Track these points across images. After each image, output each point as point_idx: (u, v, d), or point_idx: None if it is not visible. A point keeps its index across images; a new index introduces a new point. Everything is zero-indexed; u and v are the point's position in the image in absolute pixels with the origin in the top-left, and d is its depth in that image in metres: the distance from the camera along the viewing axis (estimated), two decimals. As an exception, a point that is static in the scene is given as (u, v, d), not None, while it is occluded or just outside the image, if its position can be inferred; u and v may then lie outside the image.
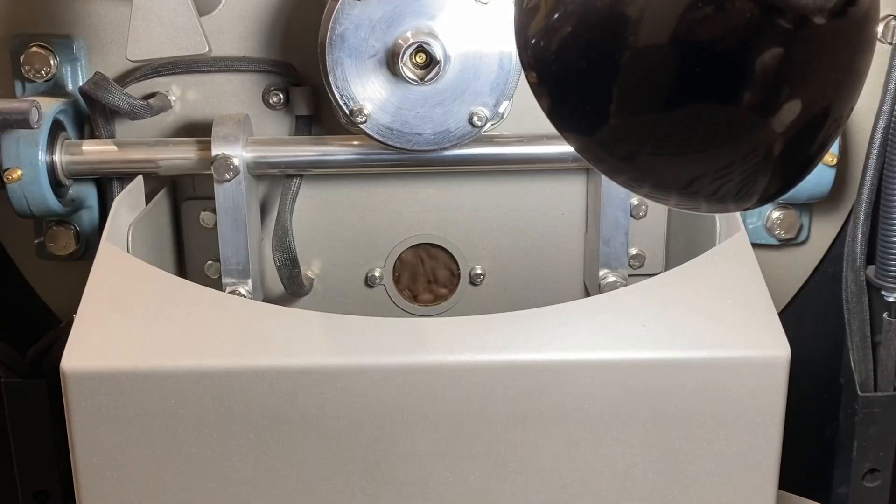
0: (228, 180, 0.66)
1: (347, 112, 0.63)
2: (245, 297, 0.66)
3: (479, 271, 0.75)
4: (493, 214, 0.74)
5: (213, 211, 0.68)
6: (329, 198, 0.73)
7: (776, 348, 0.54)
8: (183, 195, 0.74)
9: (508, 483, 0.56)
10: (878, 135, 0.71)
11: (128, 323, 0.56)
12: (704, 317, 0.56)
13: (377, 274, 0.73)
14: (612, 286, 0.67)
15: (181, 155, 0.70)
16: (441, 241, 0.75)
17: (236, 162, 0.66)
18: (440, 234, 0.75)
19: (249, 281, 0.67)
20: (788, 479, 0.59)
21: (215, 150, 0.66)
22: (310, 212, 0.73)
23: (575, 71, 0.40)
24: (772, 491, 0.56)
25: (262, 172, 0.69)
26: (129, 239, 0.64)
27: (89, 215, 0.74)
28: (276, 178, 0.72)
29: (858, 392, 0.75)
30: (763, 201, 0.42)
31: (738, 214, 0.62)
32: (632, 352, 0.55)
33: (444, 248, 0.74)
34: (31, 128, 0.64)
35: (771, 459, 0.56)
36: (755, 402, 0.55)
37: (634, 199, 0.71)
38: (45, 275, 0.79)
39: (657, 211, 0.73)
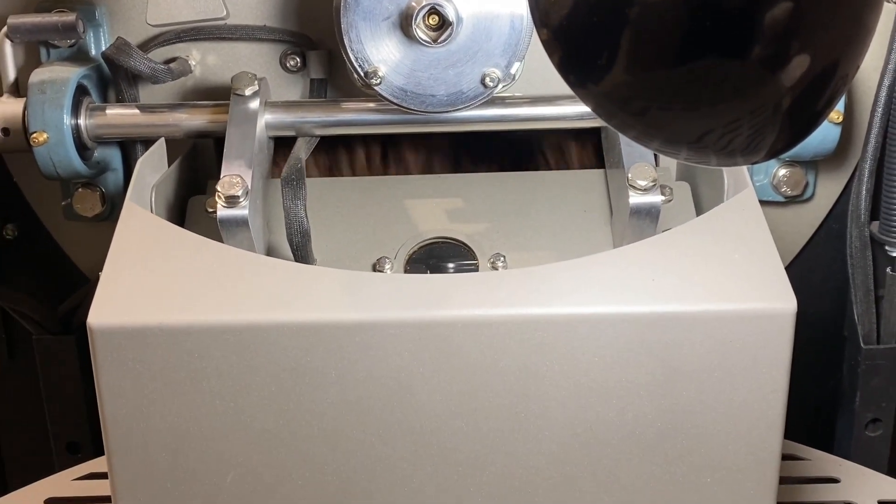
0: (247, 95, 0.65)
1: (362, 74, 0.62)
2: (240, 199, 0.61)
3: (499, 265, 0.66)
4: (512, 216, 0.68)
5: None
6: (332, 205, 0.69)
7: (783, 301, 0.53)
8: (192, 191, 0.71)
9: (521, 433, 0.55)
10: (883, 93, 0.70)
11: (152, 280, 0.55)
12: (712, 271, 0.55)
13: (387, 269, 0.66)
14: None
15: (201, 117, 0.69)
16: (456, 236, 0.67)
17: (256, 84, 0.65)
18: (456, 234, 0.67)
19: (247, 203, 0.60)
20: (793, 429, 0.58)
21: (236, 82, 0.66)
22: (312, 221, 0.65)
23: (586, 26, 0.39)
24: (777, 439, 0.55)
25: (278, 133, 0.68)
26: (153, 199, 0.63)
27: (114, 177, 0.74)
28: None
29: (862, 344, 0.75)
30: (771, 155, 0.41)
31: (745, 172, 0.61)
32: (641, 305, 0.54)
33: (460, 242, 0.67)
34: (80, 37, 0.70)
35: (777, 409, 0.55)
36: (762, 354, 0.54)
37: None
38: (72, 235, 0.78)
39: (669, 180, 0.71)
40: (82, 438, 0.80)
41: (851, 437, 0.77)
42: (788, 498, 0.64)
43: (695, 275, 0.55)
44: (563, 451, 0.56)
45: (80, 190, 0.74)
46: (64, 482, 0.68)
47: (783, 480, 0.57)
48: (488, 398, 0.55)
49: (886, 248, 0.72)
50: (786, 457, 0.61)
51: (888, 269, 0.73)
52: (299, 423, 0.55)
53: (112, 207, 0.75)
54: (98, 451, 0.77)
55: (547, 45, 0.41)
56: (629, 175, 0.61)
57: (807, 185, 0.75)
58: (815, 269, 0.78)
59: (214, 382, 0.54)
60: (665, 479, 0.56)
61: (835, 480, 0.66)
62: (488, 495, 0.56)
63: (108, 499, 0.57)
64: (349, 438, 0.55)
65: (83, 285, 0.79)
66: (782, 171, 0.74)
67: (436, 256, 0.66)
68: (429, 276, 0.60)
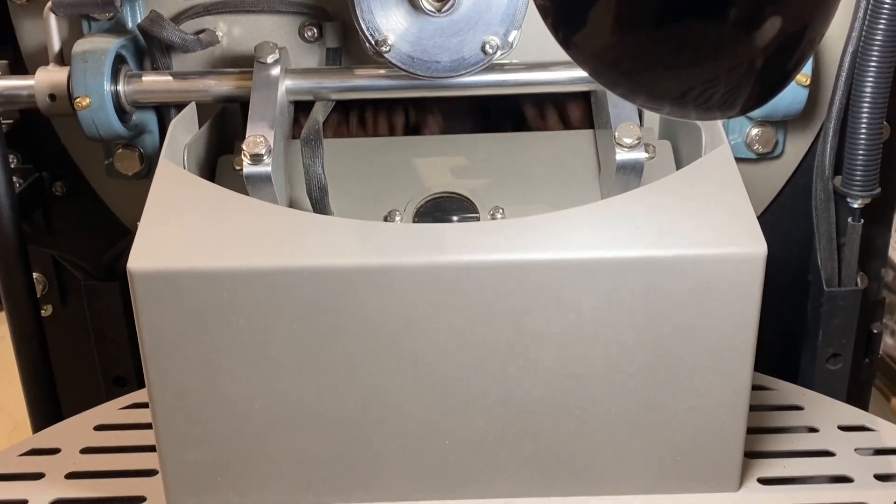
0: (269, 63, 0.64)
1: (373, 42, 0.61)
2: (264, 157, 0.60)
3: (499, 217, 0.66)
4: (510, 173, 0.67)
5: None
6: (347, 163, 0.68)
7: (754, 246, 0.53)
8: (221, 150, 0.70)
9: (517, 366, 0.55)
10: (847, 59, 0.69)
11: (185, 229, 0.55)
12: (691, 219, 0.54)
13: (397, 220, 0.65)
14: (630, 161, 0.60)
15: (228, 83, 0.68)
16: (459, 191, 0.66)
17: (277, 53, 0.64)
18: (459, 189, 0.66)
19: (270, 161, 0.60)
20: (762, 362, 0.58)
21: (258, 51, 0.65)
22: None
23: (576, -9, 0.38)
24: (748, 371, 0.55)
25: (297, 98, 0.67)
26: (185, 157, 0.62)
27: (151, 139, 0.73)
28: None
29: (824, 287, 0.74)
30: (745, 110, 0.40)
31: (721, 131, 0.60)
32: (626, 251, 0.53)
33: (463, 197, 0.66)
34: (117, 11, 0.68)
35: (747, 344, 0.55)
36: (735, 294, 0.53)
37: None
38: (114, 192, 0.78)
39: (652, 138, 0.70)
40: (127, 373, 0.80)
41: (814, 370, 0.77)
42: (757, 423, 0.64)
43: (675, 223, 0.54)
44: (554, 382, 0.55)
45: (120, 150, 0.74)
46: (111, 411, 0.68)
47: (752, 408, 0.57)
48: (488, 334, 0.54)
49: (848, 199, 0.71)
50: (755, 387, 0.60)
51: (849, 219, 0.72)
52: (318, 356, 0.55)
53: (150, 166, 0.74)
54: (141, 383, 0.76)
55: (541, 9, 0.40)
56: (616, 134, 0.60)
57: (777, 143, 0.74)
58: (783, 220, 0.77)
59: (242, 321, 0.54)
60: (647, 406, 0.56)
61: (799, 408, 0.66)
62: (487, 421, 0.56)
63: (149, 425, 0.57)
64: (362, 371, 0.55)
65: (125, 236, 0.78)
66: (755, 131, 0.73)
67: (441, 209, 0.66)
68: (435, 224, 0.59)
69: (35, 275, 0.80)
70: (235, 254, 0.53)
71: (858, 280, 0.75)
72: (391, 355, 0.55)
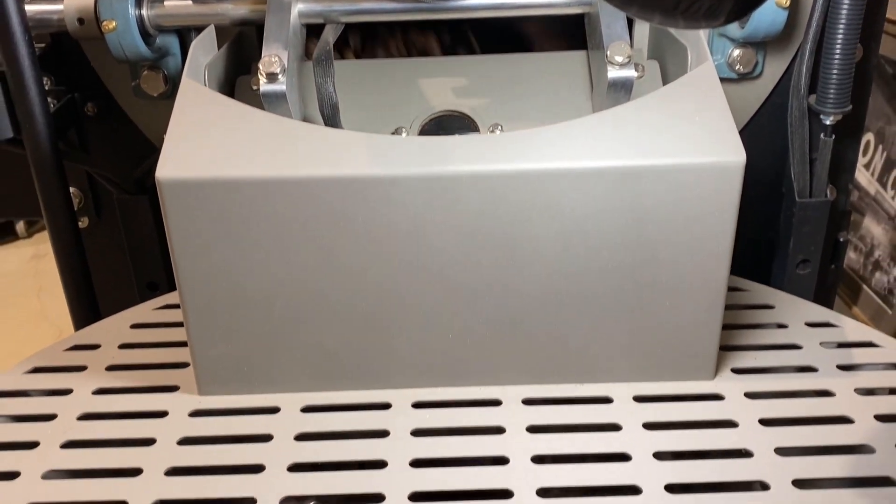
0: None
1: (380, -34, 0.59)
2: (279, 75, 0.58)
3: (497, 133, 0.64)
4: (508, 92, 0.66)
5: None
6: (356, 84, 0.66)
7: (734, 155, 0.52)
8: (238, 73, 0.68)
9: (516, 268, 0.55)
10: (825, -17, 0.67)
11: (207, 141, 0.54)
12: (676, 131, 0.53)
13: (403, 135, 0.63)
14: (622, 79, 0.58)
15: (244, 6, 0.66)
16: (461, 109, 0.65)
17: None
18: (460, 107, 0.65)
19: (284, 80, 0.58)
20: (738, 266, 0.58)
21: None
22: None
23: None
24: (724, 272, 0.55)
25: (309, 21, 0.65)
26: (206, 76, 0.61)
27: (174, 61, 0.72)
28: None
29: (797, 198, 0.74)
30: (728, 21, 0.39)
31: (706, 50, 0.59)
32: (616, 160, 0.53)
33: (464, 114, 0.65)
34: None
35: (725, 247, 0.54)
36: (716, 200, 0.53)
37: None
38: (142, 111, 0.77)
39: (641, 59, 0.68)
40: (159, 278, 0.80)
41: (784, 274, 0.77)
42: (731, 321, 0.64)
43: (661, 134, 0.53)
44: (549, 283, 0.55)
45: (146, 72, 0.72)
46: (146, 311, 0.68)
47: (728, 307, 0.57)
48: (487, 238, 0.54)
49: (821, 116, 0.70)
50: (730, 288, 0.60)
51: (821, 135, 0.71)
52: (332, 259, 0.54)
53: (173, 87, 0.73)
54: (172, 288, 0.77)
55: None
56: (608, 52, 0.58)
57: (756, 63, 0.72)
58: (760, 136, 0.76)
59: (262, 226, 0.53)
60: (632, 304, 0.56)
61: (770, 307, 0.66)
62: (486, 316, 0.56)
63: (180, 323, 0.57)
64: (372, 272, 0.55)
65: (153, 153, 0.78)
66: (736, 52, 0.71)
67: (444, 127, 0.65)
68: (439, 137, 0.58)
69: (71, 189, 0.79)
70: (254, 164, 0.53)
71: (828, 192, 0.74)
72: (399, 258, 0.54)
